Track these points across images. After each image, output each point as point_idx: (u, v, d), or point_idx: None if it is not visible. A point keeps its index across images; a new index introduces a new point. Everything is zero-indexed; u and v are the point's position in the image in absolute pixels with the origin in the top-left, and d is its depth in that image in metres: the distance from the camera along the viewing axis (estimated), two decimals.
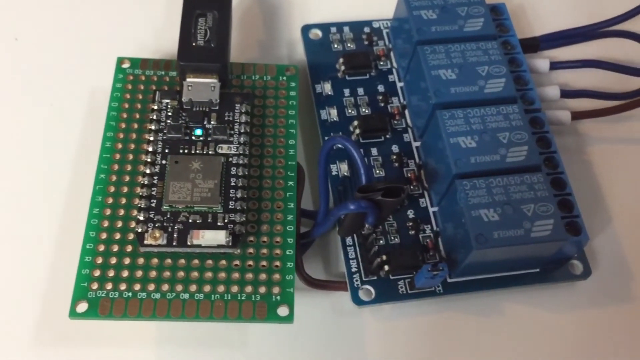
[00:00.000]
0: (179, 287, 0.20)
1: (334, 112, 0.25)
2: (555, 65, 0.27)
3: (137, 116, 0.23)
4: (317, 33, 0.27)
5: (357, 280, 0.22)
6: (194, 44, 0.23)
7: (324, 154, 0.21)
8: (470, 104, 0.23)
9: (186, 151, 0.22)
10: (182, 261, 0.21)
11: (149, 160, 0.22)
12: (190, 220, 0.21)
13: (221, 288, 0.20)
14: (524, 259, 0.22)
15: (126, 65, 0.24)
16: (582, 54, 0.28)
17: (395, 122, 0.25)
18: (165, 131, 0.22)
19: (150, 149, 0.22)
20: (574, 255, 0.23)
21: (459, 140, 0.22)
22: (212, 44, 0.23)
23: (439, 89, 0.23)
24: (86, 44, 0.27)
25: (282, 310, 0.20)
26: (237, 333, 0.22)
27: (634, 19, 0.28)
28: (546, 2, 0.30)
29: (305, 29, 0.27)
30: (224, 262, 0.21)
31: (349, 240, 0.23)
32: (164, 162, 0.22)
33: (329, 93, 0.26)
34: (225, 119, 0.23)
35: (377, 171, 0.24)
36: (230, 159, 0.22)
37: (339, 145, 0.21)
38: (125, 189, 0.22)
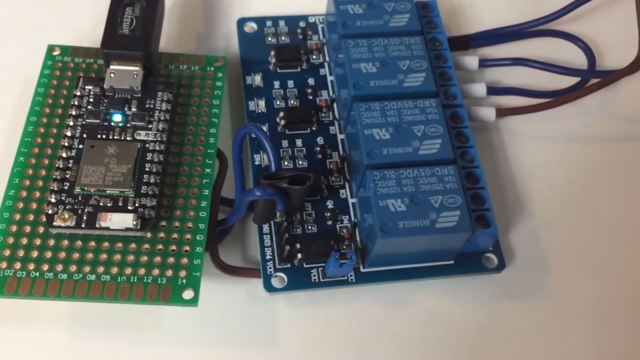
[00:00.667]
0: (87, 269, 0.21)
1: (262, 104, 0.26)
2: (484, 63, 0.27)
3: (62, 102, 0.24)
4: (252, 26, 0.28)
5: (270, 268, 0.23)
6: (119, 32, 0.23)
7: (237, 142, 0.22)
8: (389, 97, 0.24)
9: (104, 136, 0.22)
10: (93, 243, 0.21)
11: (66, 144, 0.22)
12: (101, 204, 0.21)
13: (128, 270, 0.21)
14: (435, 250, 0.23)
15: (56, 52, 0.25)
16: (515, 53, 0.28)
17: (323, 114, 0.26)
18: (84, 116, 0.23)
19: (68, 133, 0.22)
20: (489, 248, 0.24)
21: (373, 132, 0.23)
22: (137, 32, 0.24)
23: (358, 82, 0.24)
24: (24, 32, 0.27)
25: (187, 294, 0.21)
26: (152, 316, 0.22)
27: (569, 18, 0.29)
28: (485, 1, 0.30)
29: (241, 22, 0.28)
30: (134, 245, 0.21)
31: (266, 228, 0.23)
32: (80, 146, 0.22)
33: (259, 85, 0.26)
34: (147, 106, 0.23)
35: (300, 162, 0.25)
36: (147, 145, 0.22)
37: (253, 135, 0.22)
38: (43, 172, 0.22)
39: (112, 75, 0.23)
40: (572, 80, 0.27)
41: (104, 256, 0.21)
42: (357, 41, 0.25)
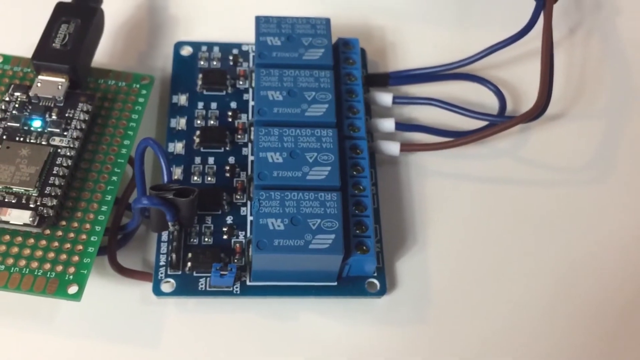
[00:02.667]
0: None
1: (183, 122, 0.28)
2: (397, 100, 0.28)
3: None
4: (188, 49, 0.30)
5: (162, 273, 0.24)
6: (50, 46, 0.26)
7: (138, 153, 0.24)
8: (290, 125, 0.25)
9: (21, 139, 0.24)
10: None
11: None
12: (5, 199, 0.23)
13: (22, 262, 0.23)
14: (316, 271, 0.24)
15: None
16: (435, 92, 0.30)
17: (239, 136, 0.27)
18: (7, 119, 0.25)
19: None
20: (373, 274, 0.25)
21: (267, 155, 0.24)
22: (68, 47, 0.26)
23: (263, 108, 0.25)
24: None
25: (72, 289, 0.22)
26: (48, 308, 0.24)
27: (491, 63, 0.30)
28: (415, 42, 0.32)
29: (178, 45, 0.30)
30: (32, 240, 0.23)
31: (165, 236, 0.25)
32: None
33: (184, 104, 0.28)
34: (66, 115, 0.25)
35: (209, 178, 0.26)
36: (59, 151, 0.24)
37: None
38: None
39: (38, 84, 0.25)
40: (483, 122, 0.28)
41: (2, 248, 0.23)
42: (270, 70, 0.26)
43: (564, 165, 0.28)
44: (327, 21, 0.28)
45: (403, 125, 0.28)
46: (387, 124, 0.28)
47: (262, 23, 0.28)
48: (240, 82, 0.29)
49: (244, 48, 0.30)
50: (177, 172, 0.26)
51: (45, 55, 0.26)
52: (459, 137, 0.27)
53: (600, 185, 0.28)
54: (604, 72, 0.31)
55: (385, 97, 0.28)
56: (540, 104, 0.26)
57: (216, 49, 0.30)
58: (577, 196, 0.28)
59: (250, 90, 0.29)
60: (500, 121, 0.27)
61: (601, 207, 0.28)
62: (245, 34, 0.30)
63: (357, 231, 0.24)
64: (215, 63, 0.29)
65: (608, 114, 0.30)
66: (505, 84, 0.30)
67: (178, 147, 0.27)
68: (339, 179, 0.24)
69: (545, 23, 0.27)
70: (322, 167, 0.24)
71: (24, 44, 0.29)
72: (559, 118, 0.30)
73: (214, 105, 0.28)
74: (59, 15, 0.27)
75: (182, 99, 0.28)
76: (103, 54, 0.30)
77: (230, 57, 0.30)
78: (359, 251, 0.24)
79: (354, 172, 0.26)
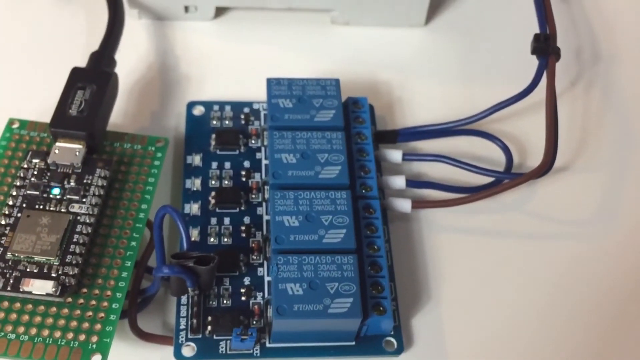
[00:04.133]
0: (9, 328, 0.23)
1: (198, 182, 0.28)
2: (407, 157, 0.29)
3: (13, 172, 0.26)
4: (200, 109, 0.30)
5: (182, 337, 0.25)
6: (67, 113, 0.26)
7: (157, 221, 0.24)
8: (305, 187, 0.26)
9: (41, 207, 0.25)
10: (18, 305, 0.23)
11: (6, 212, 0.25)
12: (27, 269, 0.23)
13: (45, 332, 0.23)
14: (334, 332, 0.24)
15: (15, 125, 0.28)
16: (442, 148, 0.30)
17: (253, 196, 0.28)
18: (27, 187, 0.25)
19: (10, 202, 0.25)
20: (390, 332, 0.25)
21: (284, 218, 0.25)
22: (84, 114, 0.26)
23: (277, 171, 0.26)
24: None
25: (95, 358, 0.23)
26: None
27: (496, 118, 0.31)
28: (422, 97, 0.32)
29: (190, 105, 0.30)
30: (54, 309, 0.23)
31: (184, 299, 0.25)
32: (19, 215, 0.25)
33: (198, 164, 0.29)
34: (84, 181, 0.26)
35: (225, 239, 0.27)
36: (79, 218, 0.25)
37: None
38: None
39: (56, 151, 0.26)
40: (490, 178, 0.29)
41: (25, 317, 0.23)
42: (283, 133, 0.27)
43: (571, 218, 0.29)
44: (337, 82, 0.29)
45: (414, 182, 0.28)
46: (398, 182, 0.28)
47: (274, 85, 0.28)
48: (253, 141, 0.29)
49: (255, 106, 0.31)
50: (194, 234, 0.27)
51: (63, 122, 0.26)
52: (470, 194, 0.27)
53: (605, 237, 0.29)
54: (605, 124, 0.32)
55: (395, 155, 0.29)
56: (547, 162, 0.27)
57: (228, 107, 0.30)
58: (585, 248, 0.28)
59: (263, 149, 0.29)
60: (507, 178, 0.28)
61: (608, 258, 0.28)
62: (255, 91, 0.31)
63: (374, 292, 0.25)
64: (227, 122, 0.30)
65: (610, 165, 0.31)
66: (510, 137, 0.31)
67: (194, 208, 0.27)
68: (354, 241, 0.25)
69: (548, 82, 0.28)
70: (338, 230, 0.25)
71: (39, 108, 0.30)
72: (564, 171, 0.30)
73: (227, 164, 0.29)
74: (74, 80, 0.27)
75: (197, 159, 0.29)
76: (116, 114, 0.30)
77: (242, 116, 0.30)
78: (376, 312, 0.24)
79: (368, 232, 0.26)
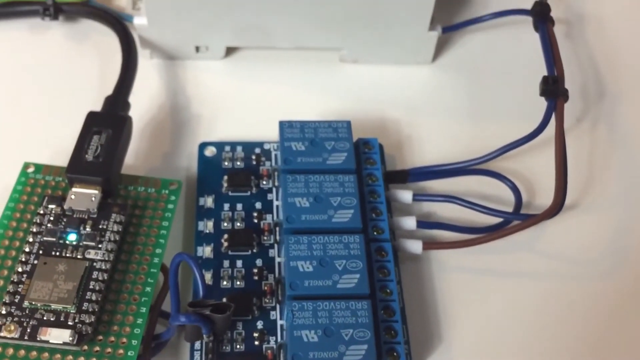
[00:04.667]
0: None
1: (210, 225, 0.28)
2: (417, 197, 0.29)
3: (29, 217, 0.27)
4: (212, 150, 0.31)
5: None
6: (83, 159, 0.27)
7: (173, 269, 0.24)
8: (319, 231, 0.26)
9: (58, 253, 0.25)
10: (34, 353, 0.23)
11: (23, 259, 0.25)
12: (44, 318, 0.24)
13: None
14: None
15: (31, 169, 0.28)
16: (451, 187, 0.31)
17: (265, 237, 0.28)
18: (43, 234, 0.25)
19: (27, 249, 0.25)
20: None
21: (298, 264, 0.25)
22: (100, 159, 0.27)
23: (291, 215, 0.26)
24: (6, 146, 0.31)
25: None
26: None
27: (505, 156, 0.31)
28: (431, 135, 0.33)
29: (202, 146, 0.31)
30: (70, 357, 0.23)
31: (197, 345, 0.26)
32: (35, 262, 0.25)
33: (211, 206, 0.29)
34: (100, 226, 0.26)
35: (238, 282, 0.27)
36: (95, 264, 0.25)
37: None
38: (1, 283, 0.25)
39: (72, 197, 0.26)
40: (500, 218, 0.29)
41: None
42: (296, 176, 0.27)
43: (581, 257, 0.29)
44: (348, 124, 0.29)
45: (424, 223, 0.29)
46: (409, 223, 0.28)
47: (286, 128, 0.29)
48: (264, 182, 0.30)
49: (266, 147, 0.31)
50: (207, 277, 0.27)
51: (79, 168, 0.26)
52: (480, 234, 0.28)
53: (616, 276, 0.29)
54: (612, 161, 0.32)
55: (405, 195, 0.29)
56: (557, 203, 0.27)
57: (239, 148, 0.31)
58: (596, 287, 0.28)
59: (274, 190, 0.29)
60: (517, 219, 0.28)
61: (620, 297, 0.28)
62: (265, 130, 0.31)
63: (387, 337, 0.25)
64: (238, 163, 0.30)
65: (619, 203, 0.31)
66: (518, 174, 0.31)
67: (207, 250, 0.28)
68: (368, 286, 0.25)
69: (557, 124, 0.28)
70: (352, 275, 0.25)
71: (53, 151, 0.30)
72: (572, 209, 0.30)
73: (239, 206, 0.29)
74: (90, 125, 0.28)
75: (209, 201, 0.29)
76: (129, 155, 0.30)
77: (253, 157, 0.30)
78: (390, 358, 0.24)
79: (381, 275, 0.26)
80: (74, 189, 0.26)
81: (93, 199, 0.26)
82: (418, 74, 0.35)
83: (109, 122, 0.28)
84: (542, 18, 0.31)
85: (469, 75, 0.35)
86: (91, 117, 0.28)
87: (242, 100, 0.34)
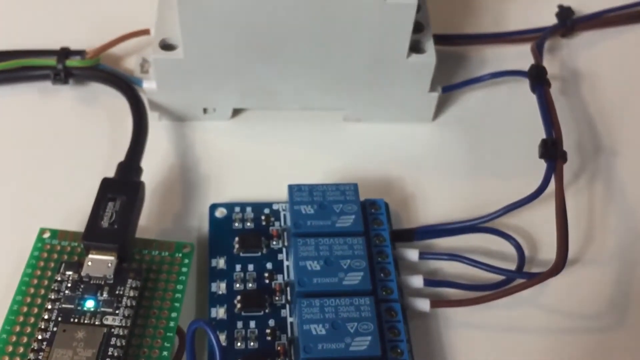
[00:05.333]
0: None
1: (223, 286, 0.29)
2: (424, 256, 0.30)
3: (46, 283, 0.27)
4: (222, 211, 0.31)
5: None
6: (99, 225, 0.27)
7: (189, 335, 0.25)
8: (330, 294, 0.27)
9: (76, 320, 0.26)
10: None
11: (42, 327, 0.25)
12: None
13: None
14: None
15: (46, 235, 0.29)
16: (457, 244, 0.31)
17: (277, 298, 0.29)
18: (62, 300, 0.26)
19: (46, 316, 0.26)
20: None
21: (310, 327, 0.26)
22: (115, 226, 0.27)
23: (303, 279, 0.27)
24: (20, 211, 0.32)
25: None
26: None
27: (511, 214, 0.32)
28: (435, 193, 0.34)
29: (213, 207, 0.32)
30: None
31: None
32: (55, 329, 0.25)
33: (223, 267, 0.30)
34: (117, 292, 0.27)
35: (252, 343, 0.28)
36: (113, 330, 0.26)
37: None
38: (21, 349, 0.25)
39: (89, 263, 0.27)
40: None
41: None
42: (306, 240, 0.28)
43: (584, 312, 0.30)
44: (355, 187, 0.30)
45: (431, 282, 0.29)
46: (416, 281, 0.29)
47: (295, 191, 0.30)
48: (274, 243, 0.30)
49: (275, 207, 0.32)
50: (222, 338, 0.28)
51: (95, 235, 0.27)
52: (486, 292, 0.29)
53: (619, 330, 0.30)
54: (610, 215, 0.33)
55: (412, 254, 0.30)
56: (560, 262, 0.28)
57: (249, 209, 0.31)
58: (600, 342, 0.29)
59: (284, 250, 0.30)
60: (521, 277, 0.29)
61: (624, 351, 0.29)
62: (273, 189, 0.32)
63: None
64: (249, 224, 0.31)
65: (618, 258, 0.32)
66: (520, 231, 0.32)
67: (220, 312, 0.28)
68: (379, 348, 0.26)
69: (557, 185, 0.29)
70: (363, 337, 0.26)
71: (67, 213, 0.31)
72: (574, 264, 0.31)
73: (251, 267, 0.30)
74: (104, 192, 0.28)
75: (221, 263, 0.30)
76: (141, 217, 0.31)
77: (263, 217, 0.31)
78: None
79: (391, 335, 0.27)
80: (90, 256, 0.27)
81: (109, 265, 0.27)
82: (420, 131, 0.36)
83: (123, 188, 0.29)
84: (538, 81, 0.33)
85: (469, 132, 0.36)
86: (105, 183, 0.29)
87: (249, 160, 0.35)
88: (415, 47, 0.33)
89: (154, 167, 0.33)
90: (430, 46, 0.33)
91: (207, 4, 0.30)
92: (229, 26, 0.31)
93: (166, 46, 0.33)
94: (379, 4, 0.30)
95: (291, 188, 0.30)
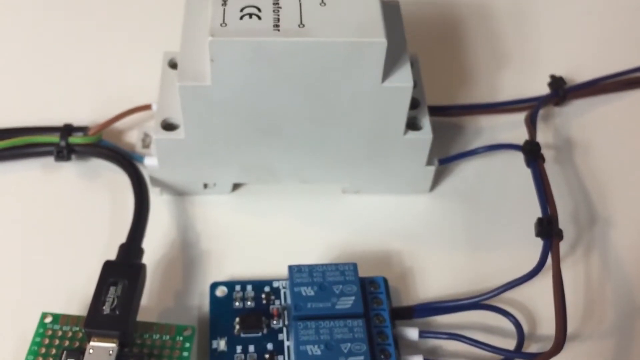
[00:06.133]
0: None
1: None
2: (423, 335, 0.30)
3: None
4: (223, 290, 0.32)
5: None
6: (100, 312, 0.27)
7: None
8: None
9: None
10: None
11: None
12: None
13: None
14: None
15: (48, 320, 0.29)
16: (457, 321, 0.32)
17: None
18: None
19: None
20: None
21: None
22: (117, 312, 0.28)
23: None
24: (24, 296, 0.32)
25: None
26: None
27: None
28: (434, 268, 0.34)
29: (213, 286, 0.32)
30: None
31: None
32: None
33: (223, 349, 0.30)
34: None
35: None
36: None
37: None
38: None
39: (90, 351, 0.27)
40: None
41: None
42: (307, 323, 0.28)
43: None
44: (354, 267, 0.30)
45: None
46: None
47: (295, 272, 0.30)
48: (275, 322, 0.31)
49: (275, 284, 0.32)
50: None
51: (97, 322, 0.27)
52: None
53: None
54: (607, 287, 0.34)
55: (411, 333, 0.30)
56: (559, 344, 0.28)
57: (249, 287, 0.32)
58: None
59: (284, 330, 0.30)
60: (521, 357, 0.29)
61: None
62: (274, 264, 0.33)
63: None
64: (249, 303, 0.31)
65: (617, 332, 0.32)
66: (519, 306, 0.32)
67: None
68: None
69: (553, 263, 0.30)
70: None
71: (69, 295, 0.31)
72: (573, 340, 0.31)
73: (251, 348, 0.30)
74: (106, 276, 0.29)
75: (222, 344, 0.30)
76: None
77: (263, 295, 0.31)
78: None
79: None
80: (92, 343, 0.27)
81: (111, 352, 0.27)
82: (417, 202, 0.36)
83: (124, 272, 0.29)
84: (532, 156, 0.33)
85: (466, 203, 0.37)
86: (107, 267, 0.29)
87: (249, 234, 0.35)
88: (412, 124, 0.34)
89: (155, 242, 0.34)
90: (426, 123, 0.34)
91: (207, 92, 0.31)
92: (229, 111, 0.31)
93: (168, 126, 0.33)
94: (376, 87, 0.31)
95: (291, 269, 0.30)
